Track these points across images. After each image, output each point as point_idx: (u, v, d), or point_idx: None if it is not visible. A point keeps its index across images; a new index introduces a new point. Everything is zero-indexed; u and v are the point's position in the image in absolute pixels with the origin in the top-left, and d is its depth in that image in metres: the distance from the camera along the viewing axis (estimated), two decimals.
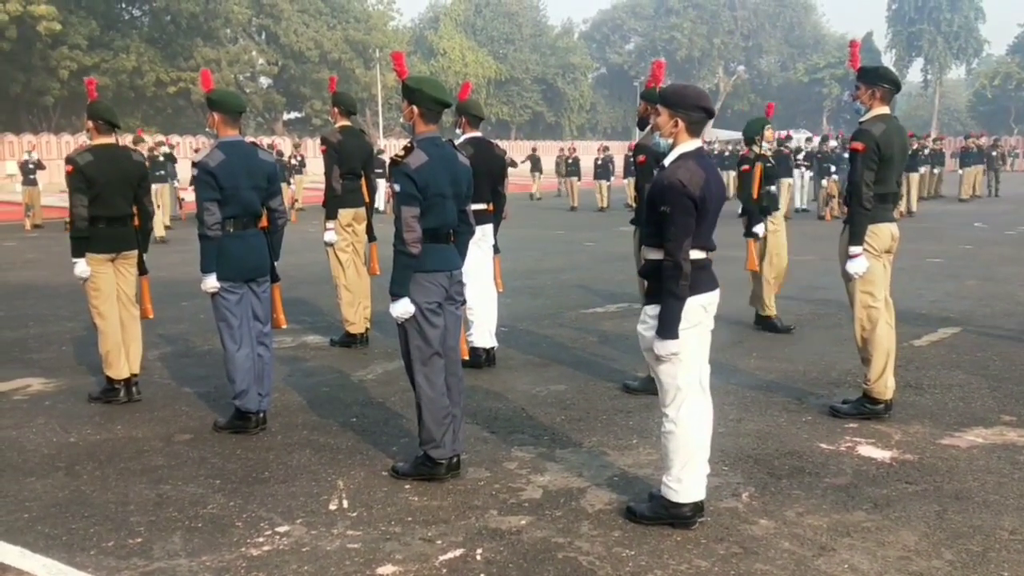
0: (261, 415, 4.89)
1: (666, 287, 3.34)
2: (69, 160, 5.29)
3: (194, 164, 4.70)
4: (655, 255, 3.43)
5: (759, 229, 7.24)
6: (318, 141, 7.77)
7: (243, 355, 4.80)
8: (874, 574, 3.16)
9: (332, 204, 6.72)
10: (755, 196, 7.25)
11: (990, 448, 4.45)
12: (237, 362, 4.79)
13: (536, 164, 28.58)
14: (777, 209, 7.58)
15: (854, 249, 4.83)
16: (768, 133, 7.60)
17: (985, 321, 7.56)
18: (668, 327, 3.35)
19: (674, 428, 3.49)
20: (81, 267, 5.33)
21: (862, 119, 4.94)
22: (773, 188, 7.55)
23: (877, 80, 4.88)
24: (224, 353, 4.85)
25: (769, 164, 7.48)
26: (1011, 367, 6.02)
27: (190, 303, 8.85)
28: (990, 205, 21.99)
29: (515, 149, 47.54)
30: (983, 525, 3.55)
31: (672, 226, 3.31)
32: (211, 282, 4.71)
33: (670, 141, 3.48)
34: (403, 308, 3.93)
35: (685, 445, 3.48)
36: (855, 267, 4.84)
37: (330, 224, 6.73)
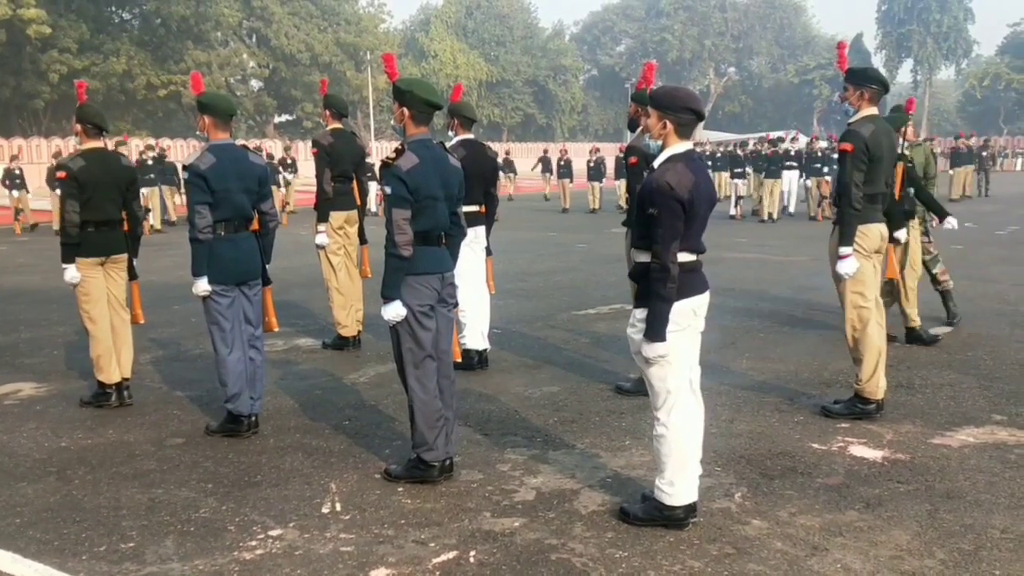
0: (253, 418, 4.89)
1: (653, 289, 3.33)
2: (62, 167, 5.26)
3: (185, 167, 4.70)
4: (644, 258, 3.43)
5: (900, 235, 6.20)
6: (310, 144, 7.76)
7: (235, 358, 4.80)
8: (866, 574, 3.18)
9: (323, 207, 6.71)
10: (897, 198, 6.27)
11: (981, 447, 4.48)
12: (229, 365, 4.78)
13: (547, 166, 28.69)
14: (916, 212, 7.12)
15: (844, 250, 4.85)
16: (909, 131, 6.95)
17: (976, 321, 7.59)
18: (655, 329, 3.34)
19: (666, 431, 3.49)
20: (71, 272, 5.30)
21: (851, 120, 4.96)
22: (911, 190, 6.90)
23: (865, 81, 4.90)
24: (216, 357, 4.84)
25: (910, 164, 6.73)
26: (1001, 366, 6.05)
27: (181, 307, 8.82)
28: (980, 205, 22.08)
29: (523, 151, 47.45)
30: (975, 524, 3.57)
31: (659, 228, 3.31)
32: (202, 285, 4.70)
33: (660, 143, 3.49)
34: (395, 311, 3.92)
35: (677, 448, 3.48)
36: (845, 268, 4.86)
37: (321, 227, 6.72)
